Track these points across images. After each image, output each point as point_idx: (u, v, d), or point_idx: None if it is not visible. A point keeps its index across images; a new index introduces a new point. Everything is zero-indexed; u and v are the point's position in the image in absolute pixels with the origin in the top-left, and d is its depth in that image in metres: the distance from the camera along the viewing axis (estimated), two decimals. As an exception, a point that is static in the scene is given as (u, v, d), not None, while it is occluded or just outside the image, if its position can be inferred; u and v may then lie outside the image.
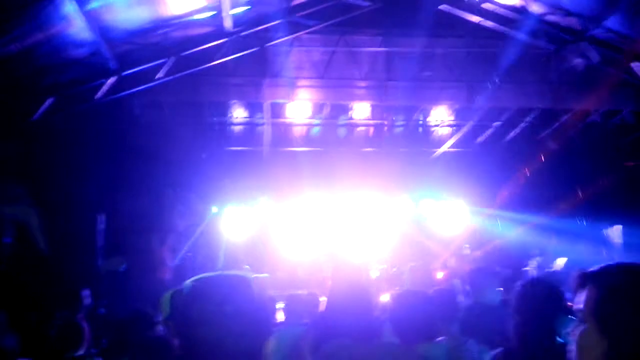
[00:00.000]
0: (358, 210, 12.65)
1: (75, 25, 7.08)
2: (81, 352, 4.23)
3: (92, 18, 6.97)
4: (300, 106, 11.37)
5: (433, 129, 13.11)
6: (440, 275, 11.41)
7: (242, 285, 1.54)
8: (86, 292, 5.50)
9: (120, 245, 8.85)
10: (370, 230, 12.61)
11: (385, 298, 6.75)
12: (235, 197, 12.23)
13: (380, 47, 9.90)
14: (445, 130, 13.05)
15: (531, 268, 10.41)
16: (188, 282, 1.54)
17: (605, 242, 11.46)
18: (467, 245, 11.88)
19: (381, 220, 12.73)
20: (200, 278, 1.57)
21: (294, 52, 9.72)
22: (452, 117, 12.54)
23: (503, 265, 11.54)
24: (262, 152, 12.30)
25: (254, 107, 11.74)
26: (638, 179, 10.59)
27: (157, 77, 8.55)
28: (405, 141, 12.52)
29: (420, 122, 12.68)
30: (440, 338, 3.48)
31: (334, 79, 9.90)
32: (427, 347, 3.22)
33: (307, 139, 12.38)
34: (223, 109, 11.94)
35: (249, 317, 1.49)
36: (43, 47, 7.29)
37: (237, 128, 12.69)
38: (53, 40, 7.24)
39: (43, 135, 7.89)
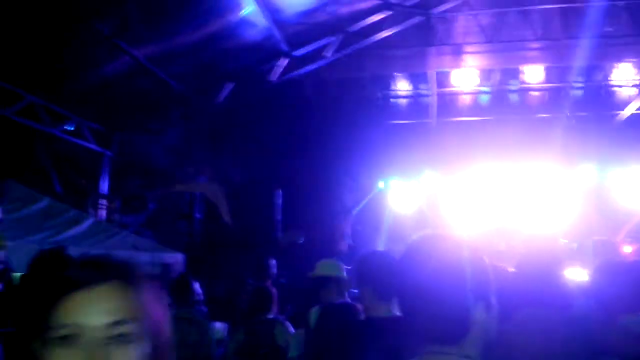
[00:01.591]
0: (533, 181, 11.96)
1: (248, 11, 7.49)
2: (271, 315, 4.51)
3: (263, 2, 7.32)
4: (467, 73, 10.99)
5: (617, 89, 11.95)
6: (628, 249, 10.47)
7: (459, 247, 1.53)
8: (273, 262, 5.85)
9: (296, 218, 9.30)
10: (547, 202, 11.87)
11: (570, 272, 6.34)
12: (402, 171, 12.21)
13: (554, 4, 9.19)
14: (631, 91, 11.84)
15: None
16: (408, 240, 1.56)
17: None
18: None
19: (560, 192, 11.92)
20: (418, 238, 1.58)
21: (460, 18, 9.40)
22: (639, 76, 11.35)
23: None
24: (428, 124, 12.11)
25: (418, 78, 11.58)
26: None
27: (325, 55, 8.75)
28: (585, 105, 11.56)
29: (602, 83, 11.63)
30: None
31: (504, 42, 9.41)
32: (630, 318, 2.96)
33: (476, 108, 11.94)
34: (387, 82, 11.94)
35: (462, 278, 1.49)
36: (221, 35, 7.82)
37: (401, 100, 12.62)
38: (230, 27, 7.73)
39: (226, 116, 8.49)
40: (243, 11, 7.53)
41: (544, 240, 3.80)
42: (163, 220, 8.14)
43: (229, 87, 8.57)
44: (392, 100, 12.63)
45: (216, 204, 8.29)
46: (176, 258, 7.37)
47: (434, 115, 11.68)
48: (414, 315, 1.56)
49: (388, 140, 11.45)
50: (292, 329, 4.28)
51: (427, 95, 11.76)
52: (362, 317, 3.12)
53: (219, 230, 8.18)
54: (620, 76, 11.48)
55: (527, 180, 11.95)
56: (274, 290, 4.67)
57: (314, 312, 3.66)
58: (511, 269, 4.11)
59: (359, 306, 3.26)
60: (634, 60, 10.31)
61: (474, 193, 12.11)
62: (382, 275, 2.73)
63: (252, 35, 8.15)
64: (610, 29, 9.35)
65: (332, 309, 3.69)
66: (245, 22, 7.75)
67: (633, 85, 11.71)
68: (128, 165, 8.23)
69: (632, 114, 11.67)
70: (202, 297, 5.09)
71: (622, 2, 9.07)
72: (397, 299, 1.68)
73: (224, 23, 7.65)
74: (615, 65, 10.92)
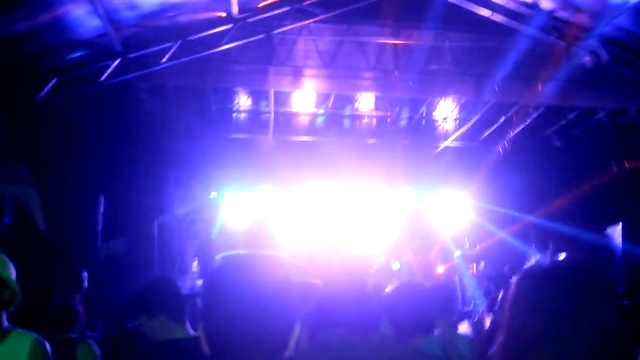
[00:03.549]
0: (359, 201, 12.63)
1: (81, 6, 7.04)
2: (74, 334, 4.21)
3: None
4: (305, 95, 11.32)
5: (438, 122, 13.07)
6: (441, 269, 11.43)
7: (277, 266, 1.47)
8: (85, 275, 5.49)
9: (120, 228, 8.84)
10: (370, 222, 12.60)
11: (383, 290, 6.72)
12: (236, 184, 12.23)
13: (388, 38, 9.80)
14: (449, 125, 13.01)
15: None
16: (218, 257, 1.46)
17: (605, 242, 11.42)
18: (467, 240, 11.88)
19: (382, 213, 12.71)
20: (232, 254, 1.49)
21: (300, 41, 9.64)
22: (457, 111, 12.51)
23: (502, 262, 11.60)
24: (265, 140, 12.28)
25: (258, 95, 11.71)
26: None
27: (162, 61, 8.50)
28: (409, 134, 12.48)
29: (425, 115, 12.64)
30: (435, 332, 3.46)
31: (340, 69, 9.80)
32: (422, 340, 3.20)
33: (311, 129, 12.35)
34: (228, 96, 11.92)
35: (280, 300, 1.43)
36: (49, 28, 7.26)
37: (241, 115, 12.67)
38: (59, 21, 7.21)
39: (46, 116, 7.86)
40: (75, 6, 7.06)
41: (351, 260, 3.96)
42: (-36, 224, 7.29)
43: (52, 83, 7.97)
44: (232, 113, 12.63)
45: (29, 209, 7.59)
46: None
47: (270, 133, 11.87)
48: (228, 338, 1.45)
49: (225, 153, 11.41)
50: (97, 350, 4.02)
51: (266, 112, 11.93)
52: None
53: (31, 238, 7.49)
54: (442, 110, 12.58)
55: (354, 200, 12.61)
56: (80, 307, 4.38)
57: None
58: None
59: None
60: (455, 96, 11.28)
61: (305, 210, 12.47)
62: (174, 299, 2.73)
63: (83, 32, 7.67)
64: (435, 67, 10.11)
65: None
66: (77, 19, 7.28)
67: (452, 119, 12.88)
68: None
69: (448, 146, 12.83)
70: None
71: (448, 44, 9.88)
72: (205, 320, 1.55)
73: (53, 15, 7.11)
74: (438, 99, 11.91)
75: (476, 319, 6.16)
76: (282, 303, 1.47)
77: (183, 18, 8.22)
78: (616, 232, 11.37)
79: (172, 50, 8.47)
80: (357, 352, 2.88)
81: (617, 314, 1.24)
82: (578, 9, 8.49)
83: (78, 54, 7.99)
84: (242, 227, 11.94)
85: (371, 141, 12.41)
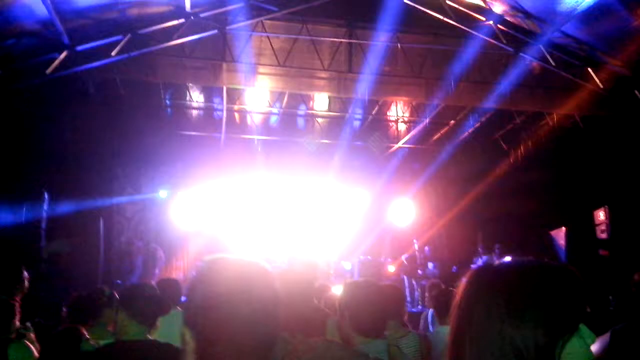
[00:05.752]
0: (313, 201, 12.61)
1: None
2: (9, 334, 4.02)
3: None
4: (258, 94, 11.22)
5: (390, 124, 13.17)
6: (391, 269, 11.53)
7: (263, 273, 1.41)
8: (25, 274, 5.26)
9: (66, 226, 8.57)
10: (323, 222, 12.60)
11: (334, 291, 6.71)
12: (187, 182, 12.02)
13: (343, 38, 9.81)
14: (401, 126, 13.13)
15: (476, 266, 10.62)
16: (203, 260, 1.39)
17: (550, 244, 11.74)
18: (415, 241, 12.02)
19: (335, 213, 12.74)
20: (217, 258, 1.41)
21: (254, 38, 9.54)
22: (409, 114, 12.63)
23: (448, 262, 11.81)
24: (218, 138, 12.11)
25: (212, 92, 11.54)
26: (585, 183, 10.87)
27: (111, 54, 8.27)
28: (362, 135, 12.54)
29: (376, 115, 12.71)
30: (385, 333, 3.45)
31: (294, 68, 9.74)
32: (367, 342, 3.18)
33: (265, 128, 12.26)
34: (180, 92, 11.71)
35: (266, 308, 1.37)
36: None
37: (193, 112, 12.47)
38: (5, 10, 6.93)
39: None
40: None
41: (303, 262, 3.92)
42: None
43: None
44: (184, 110, 12.42)
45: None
46: None
47: (223, 131, 11.72)
48: (219, 344, 1.37)
49: (177, 150, 11.21)
50: (32, 350, 3.85)
51: (219, 110, 11.77)
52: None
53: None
54: (394, 112, 12.68)
55: (308, 200, 12.58)
56: (18, 306, 4.18)
57: None
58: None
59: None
60: (407, 98, 11.36)
61: (257, 210, 12.36)
62: (141, 300, 2.68)
63: (30, 22, 7.39)
64: (388, 69, 10.16)
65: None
66: (23, 7, 7.01)
67: (404, 121, 13.00)
68: None
69: (401, 147, 12.95)
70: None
71: (401, 46, 9.93)
72: (195, 325, 1.46)
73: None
74: (391, 101, 11.99)
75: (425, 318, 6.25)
76: (272, 311, 1.41)
77: (134, 11, 8.03)
78: (560, 235, 11.70)
79: (122, 44, 8.25)
80: (300, 358, 2.85)
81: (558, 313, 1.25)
82: (527, 15, 8.69)
83: (24, 46, 7.70)
84: (191, 228, 11.74)
85: (325, 141, 12.41)
